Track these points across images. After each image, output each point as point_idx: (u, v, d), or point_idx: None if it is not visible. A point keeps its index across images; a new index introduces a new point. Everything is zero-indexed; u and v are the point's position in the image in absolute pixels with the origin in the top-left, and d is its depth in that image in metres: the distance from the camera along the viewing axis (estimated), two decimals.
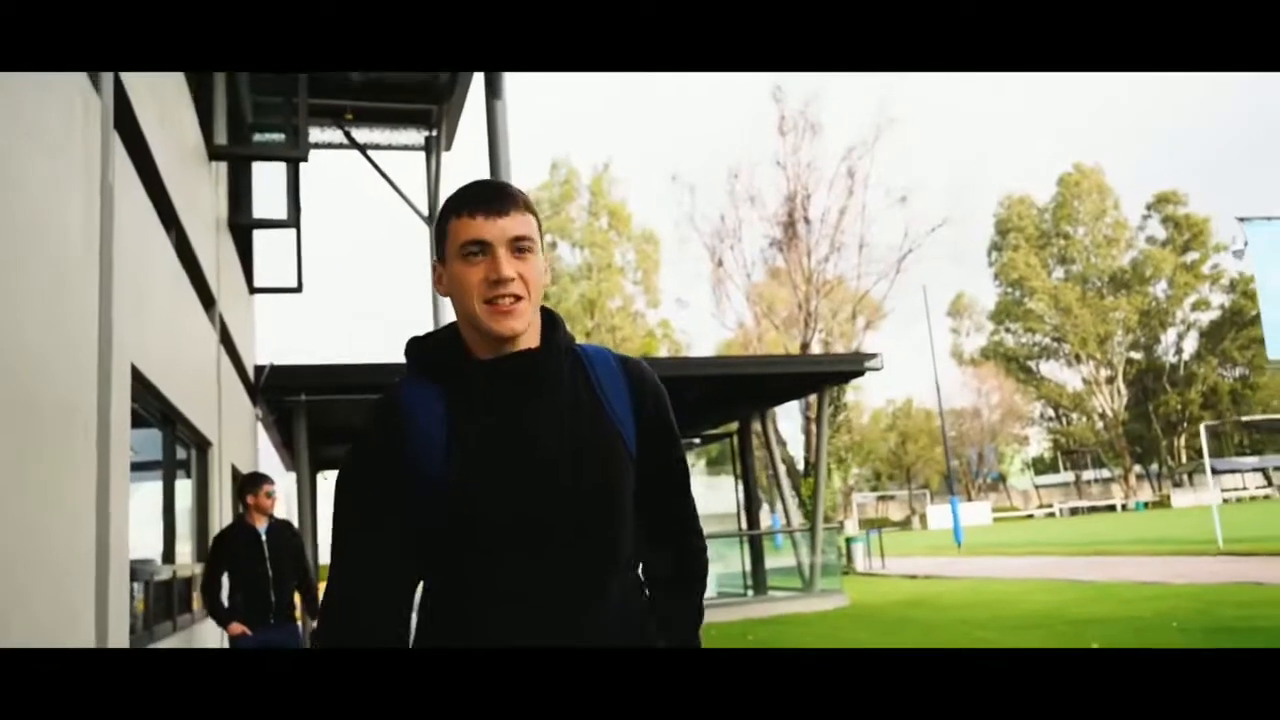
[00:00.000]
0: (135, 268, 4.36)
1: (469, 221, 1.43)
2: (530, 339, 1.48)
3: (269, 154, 8.57)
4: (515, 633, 1.37)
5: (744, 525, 16.05)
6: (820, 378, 14.09)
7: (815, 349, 28.25)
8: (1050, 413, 71.38)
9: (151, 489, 6.11)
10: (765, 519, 23.67)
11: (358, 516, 1.44)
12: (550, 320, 1.54)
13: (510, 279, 1.41)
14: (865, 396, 63.33)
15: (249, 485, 5.42)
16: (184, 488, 7.08)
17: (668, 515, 1.60)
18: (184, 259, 6.32)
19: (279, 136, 11.57)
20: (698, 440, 17.90)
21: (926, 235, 25.47)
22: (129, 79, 4.56)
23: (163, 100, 5.68)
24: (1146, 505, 56.11)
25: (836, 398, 22.31)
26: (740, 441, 16.12)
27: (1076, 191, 67.08)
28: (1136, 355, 66.38)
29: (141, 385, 4.61)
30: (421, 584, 1.48)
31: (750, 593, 15.15)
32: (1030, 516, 59.85)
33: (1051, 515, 58.33)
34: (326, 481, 18.94)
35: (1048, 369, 69.76)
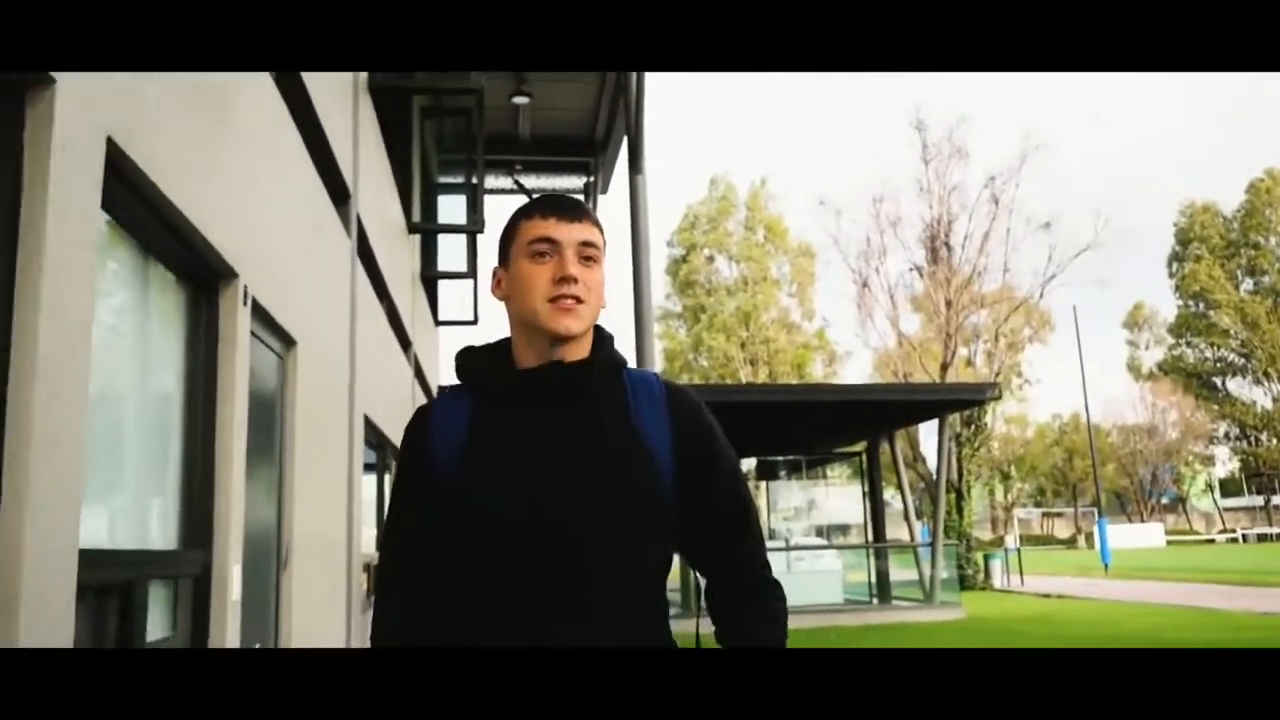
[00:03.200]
0: (366, 347, 6.27)
1: (540, 222, 1.46)
2: (579, 353, 1.48)
3: (454, 228, 10.61)
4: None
5: (871, 538, 17.23)
6: (941, 405, 15.15)
7: (979, 362, 28.78)
8: (1237, 432, 67.36)
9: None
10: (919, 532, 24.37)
11: (392, 521, 1.52)
12: (600, 338, 1.53)
13: (575, 278, 1.43)
14: (1031, 410, 61.86)
15: None
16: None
17: (723, 545, 1.52)
18: (391, 320, 8.31)
19: (459, 185, 13.77)
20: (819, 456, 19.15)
21: (1070, 260, 25.59)
22: (364, 201, 6.45)
23: (383, 205, 7.64)
24: None
25: (977, 418, 22.91)
26: (868, 460, 17.31)
27: (1268, 199, 63.16)
28: None
29: (369, 427, 6.54)
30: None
31: (875, 601, 16.33)
32: (1210, 541, 56.88)
33: (1234, 540, 55.30)
34: None
35: (1234, 386, 65.91)
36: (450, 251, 11.84)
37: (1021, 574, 23.07)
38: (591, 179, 16.76)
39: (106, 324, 2.49)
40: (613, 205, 25.90)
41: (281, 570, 3.99)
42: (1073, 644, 11.13)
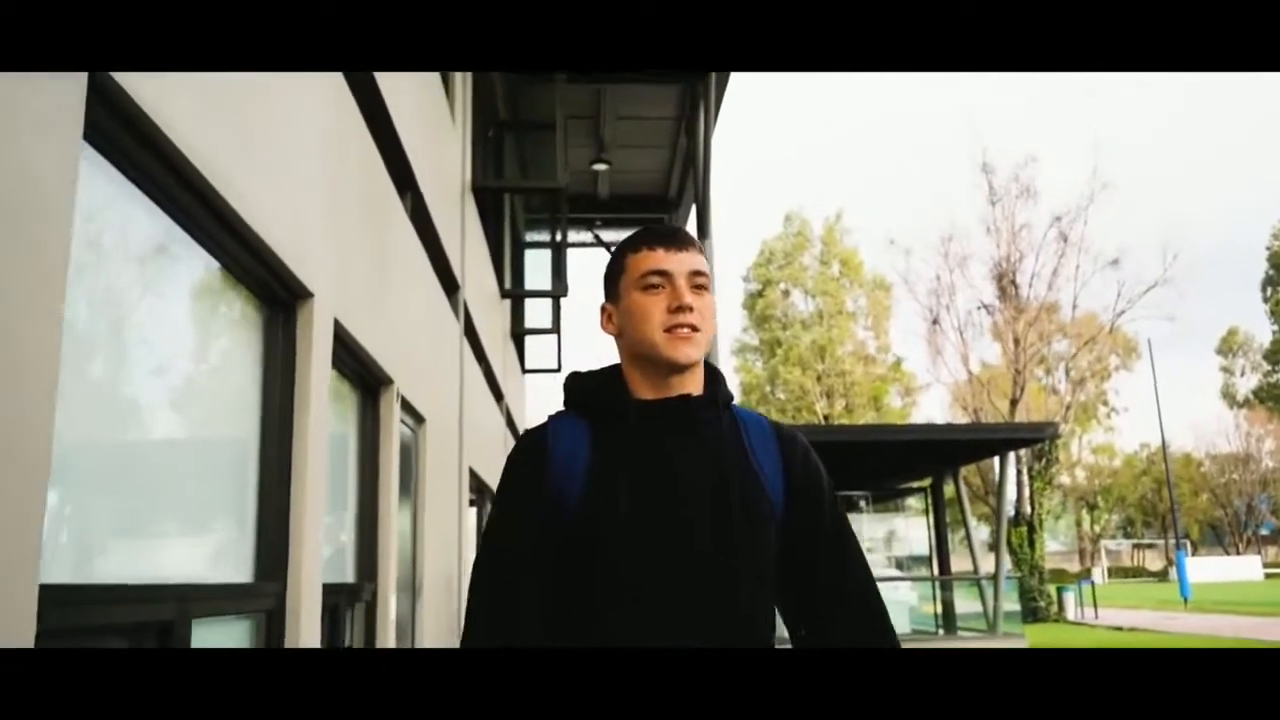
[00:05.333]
0: (471, 409, 7.48)
1: (649, 254, 1.49)
2: (693, 386, 1.50)
3: (541, 293, 11.89)
4: None
5: (936, 570, 17.86)
6: (1000, 444, 15.82)
7: (1062, 388, 29.11)
8: None
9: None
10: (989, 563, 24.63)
11: (495, 539, 1.50)
12: (713, 374, 1.56)
13: (691, 306, 1.45)
14: (1119, 439, 60.87)
15: None
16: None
17: (830, 579, 1.52)
18: (488, 378, 9.54)
19: (544, 242, 15.11)
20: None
21: (1140, 296, 25.83)
22: (469, 287, 7.65)
23: (482, 281, 8.87)
24: None
25: (1048, 452, 23.30)
26: (934, 496, 18.00)
27: None
28: None
29: (474, 478, 7.74)
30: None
31: (941, 631, 16.95)
32: None
33: None
34: None
35: None
36: (537, 309, 13.15)
37: (1095, 606, 23.25)
38: None
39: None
40: None
41: (417, 597, 5.17)
42: None
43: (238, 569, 2.76)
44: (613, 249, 12.06)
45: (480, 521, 9.53)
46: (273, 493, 2.88)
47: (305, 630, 2.92)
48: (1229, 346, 69.35)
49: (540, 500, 1.45)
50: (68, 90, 1.60)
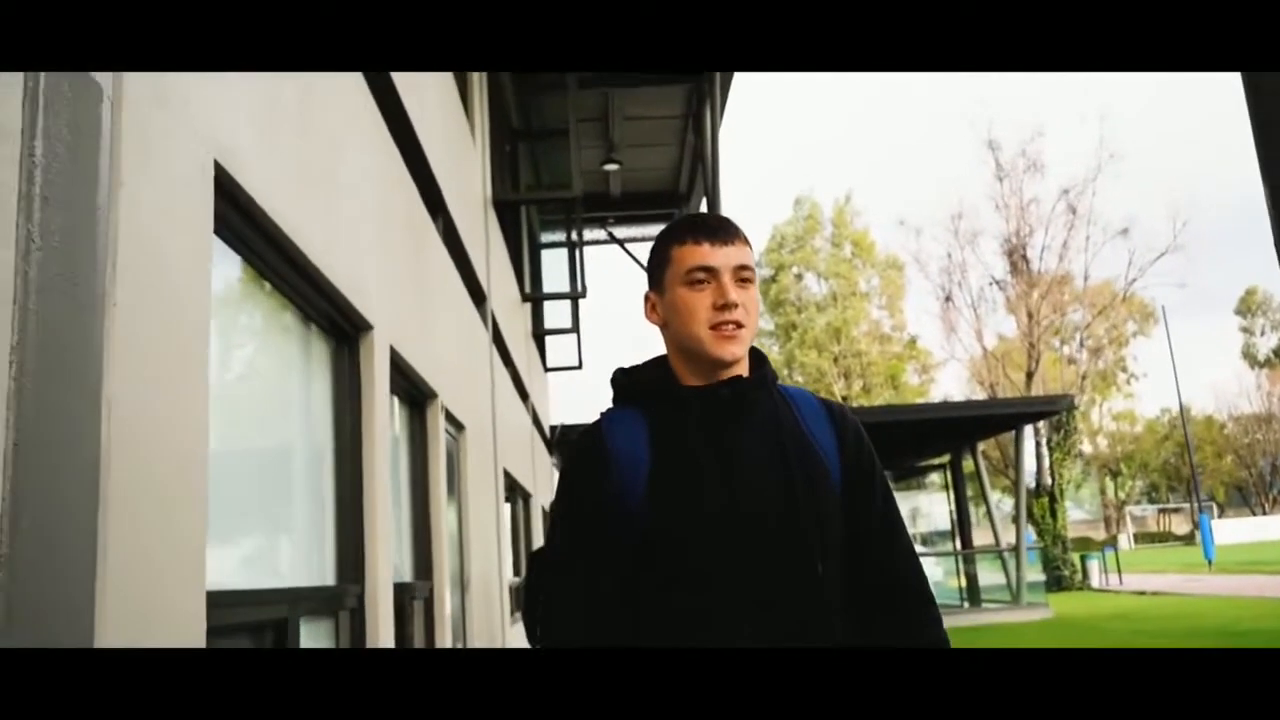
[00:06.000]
0: (502, 414, 7.86)
1: (694, 248, 1.47)
2: (740, 369, 1.51)
3: (560, 295, 12.28)
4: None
5: (958, 544, 18.20)
6: (1016, 418, 16.14)
7: (1081, 357, 29.32)
8: None
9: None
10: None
11: (565, 542, 1.51)
12: (758, 356, 1.57)
13: (736, 305, 1.44)
14: (1139, 405, 60.84)
15: None
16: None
17: (879, 565, 1.53)
18: (515, 381, 9.93)
19: (560, 242, 15.51)
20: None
21: (1150, 264, 25.98)
22: (495, 296, 8.02)
23: (505, 287, 9.25)
24: None
25: (1066, 423, 23.53)
26: (953, 471, 18.32)
27: None
28: None
29: (507, 477, 8.13)
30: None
31: (966, 604, 17.29)
32: None
33: None
34: None
35: None
36: (556, 310, 13.56)
37: (1119, 572, 23.48)
38: None
39: None
40: None
41: (466, 592, 5.57)
42: (1149, 637, 11.99)
43: (323, 573, 3.15)
44: (626, 243, 12.35)
45: (514, 519, 9.93)
46: (348, 505, 3.27)
47: (383, 626, 3.31)
48: (1248, 306, 68.89)
49: (605, 499, 1.46)
50: (202, 192, 1.97)
